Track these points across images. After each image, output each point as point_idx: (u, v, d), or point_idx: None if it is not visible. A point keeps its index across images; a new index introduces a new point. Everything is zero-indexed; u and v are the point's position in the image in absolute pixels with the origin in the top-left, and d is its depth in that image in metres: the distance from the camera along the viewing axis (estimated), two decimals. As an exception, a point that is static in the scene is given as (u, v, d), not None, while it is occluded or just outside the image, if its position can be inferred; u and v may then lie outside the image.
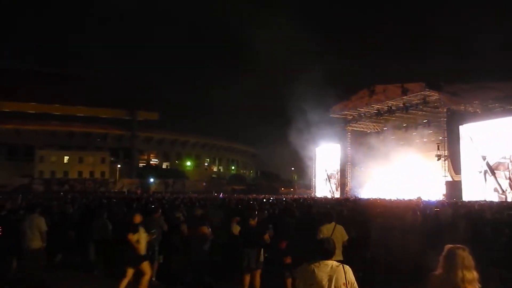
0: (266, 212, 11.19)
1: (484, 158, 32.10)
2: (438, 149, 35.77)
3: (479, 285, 2.98)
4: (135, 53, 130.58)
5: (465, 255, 2.97)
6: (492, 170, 31.11)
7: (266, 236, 7.47)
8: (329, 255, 3.58)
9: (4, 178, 63.93)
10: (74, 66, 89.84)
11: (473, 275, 2.93)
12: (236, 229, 8.38)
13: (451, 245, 3.05)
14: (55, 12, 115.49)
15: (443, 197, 32.16)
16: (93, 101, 76.48)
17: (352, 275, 3.48)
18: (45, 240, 8.40)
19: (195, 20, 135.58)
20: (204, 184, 77.31)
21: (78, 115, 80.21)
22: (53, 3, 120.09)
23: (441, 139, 35.75)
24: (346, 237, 6.76)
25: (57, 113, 78.70)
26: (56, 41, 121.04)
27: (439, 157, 35.23)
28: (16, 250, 8.43)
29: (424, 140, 39.39)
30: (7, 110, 73.30)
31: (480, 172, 32.22)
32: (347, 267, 3.50)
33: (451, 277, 2.91)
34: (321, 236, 6.42)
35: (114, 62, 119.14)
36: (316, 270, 3.47)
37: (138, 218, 7.62)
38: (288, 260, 7.06)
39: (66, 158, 76.37)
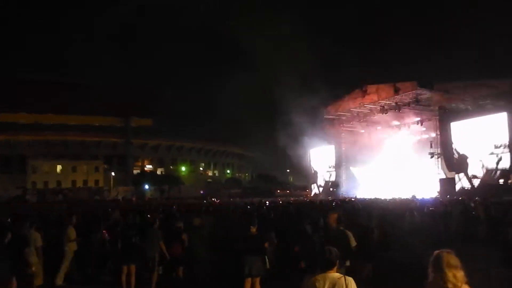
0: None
1: (476, 154, 32.46)
2: (431, 146, 36.00)
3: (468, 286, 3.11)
4: (127, 60, 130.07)
5: (450, 257, 3.13)
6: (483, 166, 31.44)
7: (266, 244, 7.51)
8: (331, 266, 3.62)
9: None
10: (66, 75, 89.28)
11: (461, 274, 3.09)
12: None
13: (438, 250, 3.21)
14: (48, 21, 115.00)
15: (437, 194, 32.39)
16: (86, 110, 76.17)
17: (355, 286, 3.53)
18: (41, 255, 8.39)
19: (184, 24, 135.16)
20: (201, 191, 77.13)
21: (72, 124, 79.79)
22: (44, 12, 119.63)
23: (433, 136, 35.97)
24: (354, 244, 6.73)
25: (51, 123, 78.26)
26: (49, 49, 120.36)
27: (432, 154, 35.44)
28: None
29: (417, 138, 39.64)
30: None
31: (473, 168, 32.57)
32: (349, 279, 3.55)
33: (442, 277, 3.07)
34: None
35: (106, 70, 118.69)
36: (317, 284, 3.52)
37: None
38: (302, 264, 7.09)
39: (59, 168, 75.99)
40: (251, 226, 7.49)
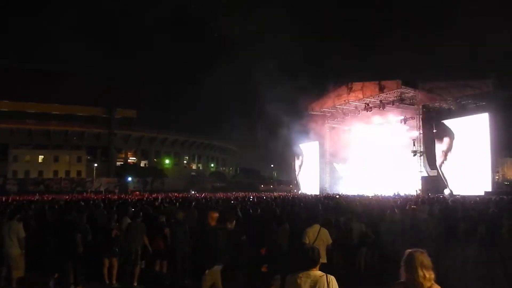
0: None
1: (457, 153, 33.03)
2: (414, 145, 36.48)
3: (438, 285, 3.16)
4: (111, 49, 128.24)
5: (423, 257, 3.15)
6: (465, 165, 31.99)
7: (244, 239, 7.50)
8: (313, 264, 3.68)
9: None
10: (50, 63, 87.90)
11: (432, 275, 3.12)
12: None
13: (410, 249, 3.23)
14: (30, 8, 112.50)
15: (419, 192, 32.89)
16: (69, 99, 74.94)
17: (336, 284, 3.59)
18: (23, 246, 8.31)
19: (167, 14, 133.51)
20: (184, 182, 76.92)
21: (54, 113, 78.56)
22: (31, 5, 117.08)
23: (416, 135, 36.44)
24: (330, 241, 6.87)
25: (32, 111, 76.95)
26: (31, 37, 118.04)
27: (414, 152, 35.92)
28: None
29: (401, 136, 40.11)
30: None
31: (454, 167, 33.14)
32: (331, 277, 3.61)
33: (414, 277, 3.10)
34: (307, 239, 6.53)
35: (91, 58, 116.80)
36: (299, 281, 3.59)
37: None
38: (264, 268, 7.12)
39: (41, 158, 74.77)
40: (227, 222, 7.46)
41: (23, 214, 10.47)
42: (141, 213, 9.94)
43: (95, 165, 73.65)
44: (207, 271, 6.04)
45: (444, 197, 22.23)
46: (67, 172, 73.75)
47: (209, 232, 6.36)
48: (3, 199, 26.63)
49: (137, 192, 53.81)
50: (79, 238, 8.31)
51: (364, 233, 9.14)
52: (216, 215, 6.72)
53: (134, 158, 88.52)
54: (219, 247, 6.04)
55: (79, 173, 74.97)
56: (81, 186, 67.48)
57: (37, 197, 33.10)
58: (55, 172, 73.40)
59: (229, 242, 6.21)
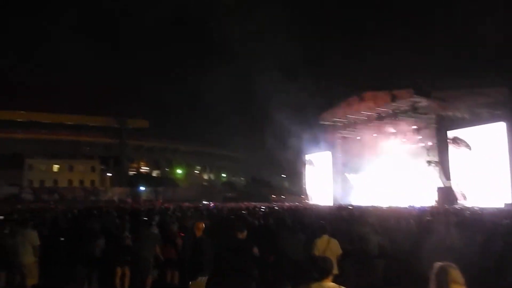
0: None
1: (474, 163, 32.53)
2: (428, 155, 36.02)
3: None
4: (122, 58, 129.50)
5: (456, 272, 3.05)
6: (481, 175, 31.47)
7: (255, 250, 7.37)
8: (326, 275, 3.60)
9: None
10: (62, 74, 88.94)
11: None
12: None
13: (442, 263, 3.12)
14: (41, 19, 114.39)
15: (435, 203, 32.36)
16: (82, 109, 75.93)
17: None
18: (37, 254, 8.33)
19: (178, 20, 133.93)
20: (195, 192, 77.01)
21: (67, 123, 79.53)
22: (37, 10, 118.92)
23: (431, 144, 36.02)
24: (340, 252, 6.76)
25: (46, 121, 77.98)
26: (44, 48, 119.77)
27: (429, 163, 35.47)
28: (5, 264, 8.34)
29: (414, 146, 39.72)
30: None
31: (471, 177, 32.61)
32: None
33: None
34: (316, 250, 6.44)
35: (102, 68, 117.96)
36: None
37: None
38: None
39: (55, 167, 75.71)
40: (238, 232, 7.37)
41: (37, 222, 10.53)
42: (153, 222, 9.92)
43: (109, 174, 74.24)
44: (190, 283, 5.96)
45: (461, 209, 21.85)
46: (81, 182, 74.44)
47: (194, 243, 6.32)
48: (19, 207, 26.89)
49: (160, 201, 53.93)
50: (99, 245, 8.33)
51: (381, 244, 9.00)
52: (202, 225, 6.69)
53: (147, 168, 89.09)
54: (203, 258, 5.97)
55: (92, 182, 75.70)
56: (95, 195, 67.95)
57: (51, 205, 33.36)
58: (70, 181, 74.16)
59: (238, 253, 6.11)
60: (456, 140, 34.23)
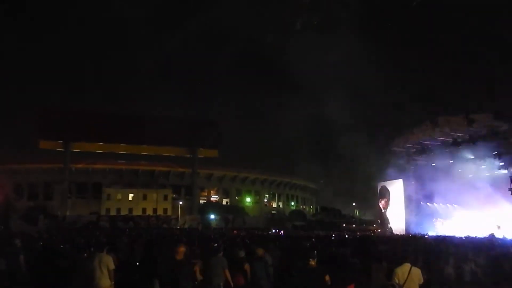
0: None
1: None
2: (511, 182, 33.52)
3: None
4: (192, 90, 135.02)
5: None
6: None
7: (327, 277, 7.27)
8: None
9: (75, 215, 67.99)
10: (135, 106, 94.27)
11: None
12: None
13: None
14: (117, 54, 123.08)
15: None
16: (156, 140, 79.27)
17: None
18: (113, 278, 8.68)
19: (241, 49, 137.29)
20: (264, 220, 77.13)
21: (143, 154, 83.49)
22: (111, 46, 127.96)
23: (513, 171, 33.55)
24: (422, 281, 6.52)
25: (123, 152, 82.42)
26: (119, 82, 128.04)
27: (512, 191, 33.00)
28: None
29: (495, 172, 37.19)
30: (77, 150, 77.94)
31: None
32: None
33: None
34: (396, 279, 6.26)
35: (174, 100, 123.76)
36: None
37: None
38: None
39: (131, 196, 79.53)
40: (310, 259, 7.32)
41: (113, 247, 11.05)
42: (221, 248, 10.04)
43: (180, 202, 76.59)
44: None
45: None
46: (154, 210, 77.28)
47: (175, 265, 6.51)
48: (97, 233, 28.39)
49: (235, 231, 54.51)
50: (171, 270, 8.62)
51: (474, 272, 8.60)
52: (182, 249, 6.88)
53: (216, 196, 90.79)
54: (183, 281, 6.14)
55: (165, 210, 78.45)
56: (167, 223, 70.11)
57: (126, 232, 34.85)
58: (143, 210, 77.34)
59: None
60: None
